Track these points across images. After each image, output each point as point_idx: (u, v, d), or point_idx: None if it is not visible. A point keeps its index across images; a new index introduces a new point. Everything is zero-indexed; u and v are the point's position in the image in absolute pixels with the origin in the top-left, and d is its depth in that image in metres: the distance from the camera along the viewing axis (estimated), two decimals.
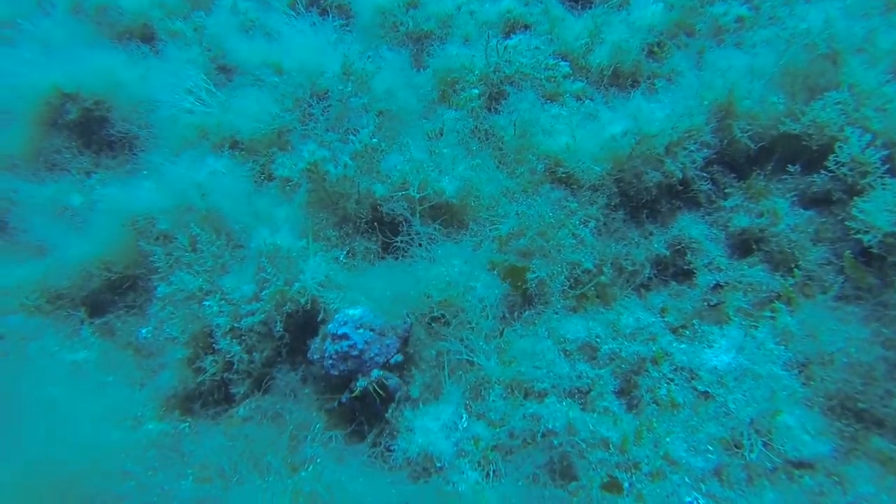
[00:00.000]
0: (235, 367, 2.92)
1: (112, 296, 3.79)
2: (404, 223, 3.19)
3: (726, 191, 3.11)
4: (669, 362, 2.66)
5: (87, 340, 3.31)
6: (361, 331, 2.70)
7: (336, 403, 2.74)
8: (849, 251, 2.65)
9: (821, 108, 2.84)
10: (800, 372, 2.48)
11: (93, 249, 3.79)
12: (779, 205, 2.91)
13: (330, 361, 2.69)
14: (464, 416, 2.60)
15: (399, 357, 2.74)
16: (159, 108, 4.25)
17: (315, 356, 2.81)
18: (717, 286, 2.89)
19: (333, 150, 3.16)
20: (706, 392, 2.51)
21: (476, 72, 4.02)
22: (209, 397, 3.03)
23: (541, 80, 3.83)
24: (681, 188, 3.13)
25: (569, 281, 2.98)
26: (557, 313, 2.92)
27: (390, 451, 2.52)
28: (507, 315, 2.95)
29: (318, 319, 2.87)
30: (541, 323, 2.84)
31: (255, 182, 3.73)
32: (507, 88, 3.69)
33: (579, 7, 4.38)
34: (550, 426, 2.45)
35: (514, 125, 3.47)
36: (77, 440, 2.61)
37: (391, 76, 3.91)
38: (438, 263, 3.01)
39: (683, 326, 2.81)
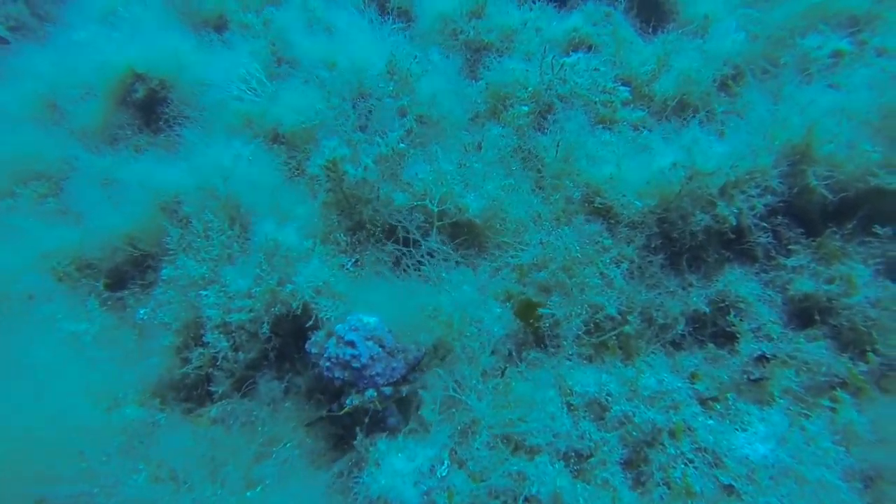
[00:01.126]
0: (219, 363, 2.77)
1: (133, 272, 3.78)
2: (420, 238, 2.96)
3: (790, 247, 2.65)
4: (691, 439, 2.24)
5: (91, 313, 3.27)
6: (371, 343, 2.47)
7: (322, 415, 2.53)
8: None
9: None
10: (864, 487, 1.99)
11: (122, 223, 3.81)
12: (857, 272, 2.43)
13: (328, 363, 2.47)
14: (446, 461, 2.30)
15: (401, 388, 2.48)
16: (211, 92, 4.29)
17: (313, 349, 2.59)
18: (763, 357, 2.43)
19: (356, 150, 2.98)
20: (731, 486, 2.07)
21: (529, 88, 3.76)
22: (192, 391, 2.91)
23: (595, 103, 3.52)
24: (733, 237, 2.70)
25: (588, 325, 2.63)
26: (570, 359, 2.57)
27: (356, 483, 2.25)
28: (513, 353, 2.64)
29: (307, 325, 2.67)
30: (548, 368, 2.50)
31: (289, 177, 3.64)
32: (557, 107, 3.40)
33: (651, 31, 4.03)
34: (535, 491, 2.11)
35: (557, 146, 3.17)
36: (47, 411, 2.54)
37: (439, 82, 3.72)
38: (447, 288, 2.75)
39: (715, 399, 2.38)
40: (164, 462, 2.39)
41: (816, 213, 2.68)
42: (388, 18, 4.41)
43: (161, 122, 4.80)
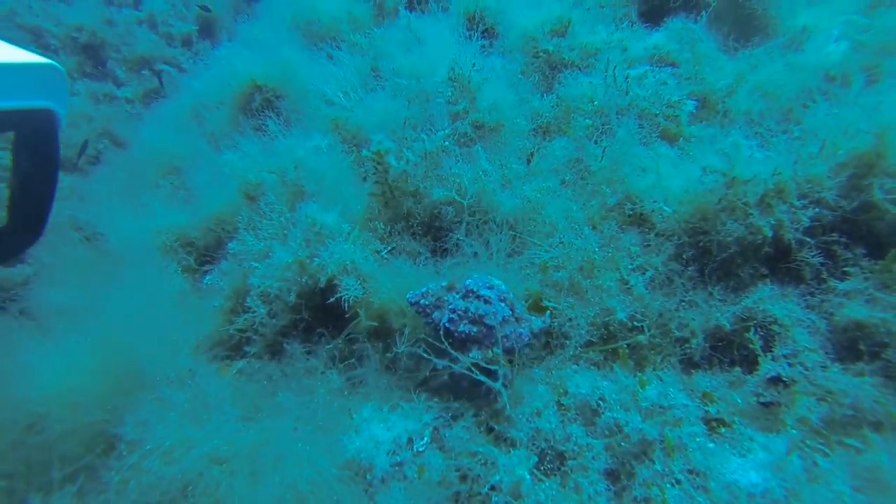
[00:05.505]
0: (256, 327, 3.05)
1: (217, 248, 4.28)
2: (452, 232, 3.04)
3: (846, 269, 2.32)
4: (684, 459, 2.03)
5: (173, 277, 3.76)
6: (503, 305, 2.40)
7: (446, 375, 2.39)
8: None
9: None
10: None
11: (216, 207, 4.35)
12: None
13: (453, 315, 2.38)
14: (427, 437, 2.32)
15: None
16: (310, 98, 4.79)
17: (425, 301, 2.52)
18: (778, 380, 2.14)
19: (401, 144, 3.16)
20: None
21: (595, 102, 3.72)
22: (236, 350, 3.21)
23: (657, 115, 3.38)
24: (770, 251, 2.43)
25: (601, 331, 2.51)
26: (576, 363, 2.47)
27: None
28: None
29: (327, 301, 2.84)
30: (543, 366, 2.43)
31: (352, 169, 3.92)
32: (612, 118, 3.32)
33: (736, 48, 3.79)
34: (497, 479, 2.05)
35: (603, 153, 3.10)
36: (120, 352, 2.96)
37: (503, 91, 3.82)
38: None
39: (723, 423, 2.14)
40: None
41: (889, 233, 2.33)
42: (474, 35, 4.62)
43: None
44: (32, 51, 1.72)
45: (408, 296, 2.59)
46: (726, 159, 2.46)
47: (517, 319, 2.40)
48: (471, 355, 2.30)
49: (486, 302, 2.36)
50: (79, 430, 2.47)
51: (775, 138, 2.51)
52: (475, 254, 2.95)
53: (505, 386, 2.26)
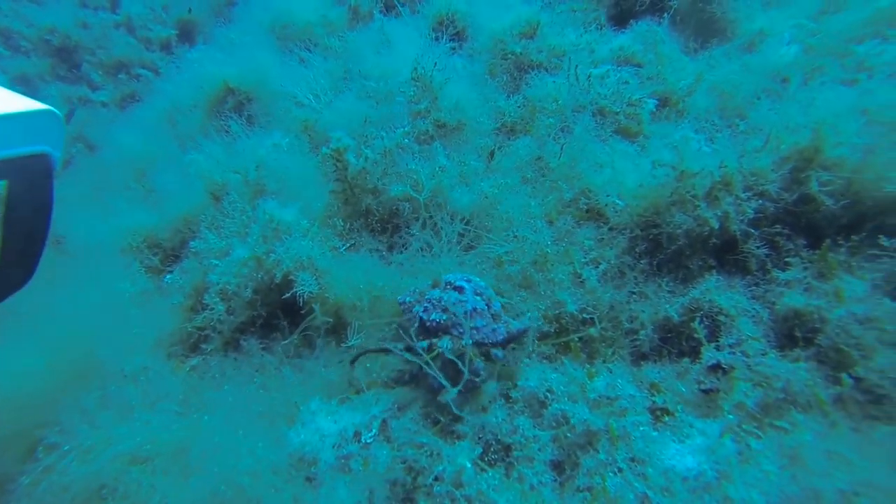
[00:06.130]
0: (214, 324, 3.03)
1: (183, 248, 4.25)
2: (410, 227, 3.05)
3: (787, 259, 2.36)
4: (627, 447, 2.04)
5: (135, 276, 3.72)
6: (479, 298, 2.37)
7: (400, 349, 2.34)
8: None
9: None
10: None
11: (184, 208, 4.32)
12: (848, 284, 2.10)
13: (426, 304, 2.37)
14: (375, 429, 2.30)
15: (498, 351, 2.29)
16: (280, 101, 4.79)
17: (408, 298, 2.52)
18: (718, 367, 2.16)
19: (359, 142, 3.17)
20: (645, 495, 1.85)
21: (559, 101, 3.75)
22: (195, 347, 3.18)
23: (618, 114, 3.41)
24: (717, 243, 2.46)
25: (553, 324, 2.52)
26: (528, 356, 2.47)
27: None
28: None
29: (283, 297, 2.83)
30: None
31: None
32: (569, 116, 3.36)
33: (697, 49, 3.86)
34: (440, 469, 2.04)
35: (561, 150, 3.12)
36: (75, 350, 2.91)
37: (466, 91, 3.85)
38: (425, 277, 2.79)
39: (667, 412, 2.14)
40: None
41: (826, 224, 2.37)
42: (443, 37, 4.66)
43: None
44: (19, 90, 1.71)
45: (398, 299, 2.58)
46: (676, 153, 2.49)
47: (494, 317, 2.36)
48: (440, 343, 2.26)
49: (459, 291, 2.35)
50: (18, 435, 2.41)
51: (720, 133, 2.54)
52: (425, 246, 2.94)
53: (480, 378, 2.22)
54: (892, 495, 1.54)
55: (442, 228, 2.88)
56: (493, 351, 2.28)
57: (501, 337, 2.31)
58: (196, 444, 2.06)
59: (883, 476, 1.57)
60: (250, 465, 1.96)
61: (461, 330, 2.27)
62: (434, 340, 2.28)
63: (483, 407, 2.25)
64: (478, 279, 2.51)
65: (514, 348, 2.40)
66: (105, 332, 3.19)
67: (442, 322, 2.31)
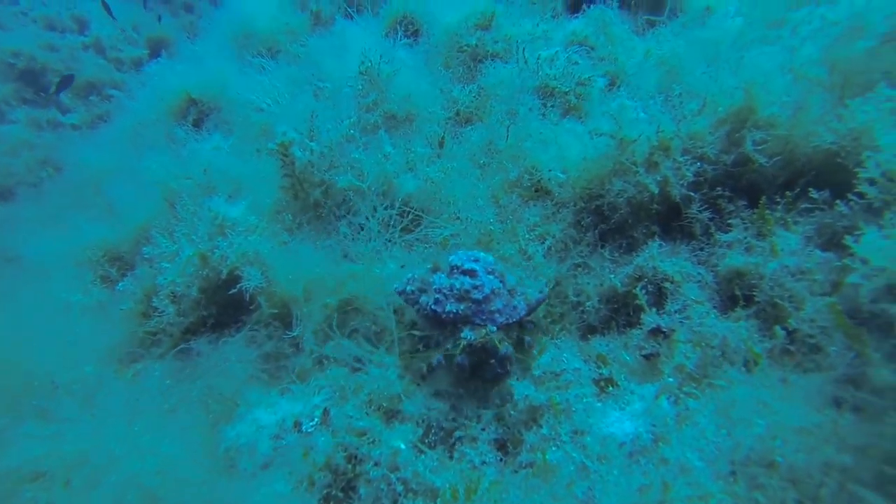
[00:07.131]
0: (164, 327, 2.95)
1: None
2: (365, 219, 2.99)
3: (729, 221, 2.31)
4: (569, 420, 1.97)
5: (88, 287, 3.64)
6: (492, 277, 2.19)
7: (434, 361, 2.16)
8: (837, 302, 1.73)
9: (860, 109, 1.97)
10: (732, 472, 1.61)
11: (142, 217, 4.26)
12: (781, 239, 2.05)
13: (438, 296, 2.17)
14: (317, 418, 2.22)
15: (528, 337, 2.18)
16: (239, 108, 4.74)
17: (409, 287, 2.29)
18: (658, 331, 2.11)
19: (304, 135, 3.12)
20: (583, 465, 1.78)
21: (509, 85, 3.73)
22: (147, 351, 3.10)
23: (567, 93, 3.39)
24: (667, 212, 2.41)
25: None
26: None
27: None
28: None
29: (230, 293, 2.77)
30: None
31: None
32: (515, 98, 3.33)
33: (647, 30, 3.85)
34: (378, 454, 1.97)
35: (507, 132, 3.09)
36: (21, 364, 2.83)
37: (417, 81, 3.82)
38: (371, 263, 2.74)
39: (612, 382, 2.08)
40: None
41: (766, 185, 2.33)
42: (397, 33, 4.64)
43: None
44: None
45: (394, 287, 2.37)
46: (614, 121, 2.45)
47: (510, 292, 2.20)
48: (462, 336, 2.12)
49: (471, 276, 2.17)
50: None
51: (653, 100, 2.51)
52: (356, 230, 2.89)
53: (512, 362, 2.12)
54: (800, 432, 1.49)
55: (377, 212, 2.83)
56: (527, 338, 2.18)
57: (523, 312, 2.19)
58: (94, 455, 1.94)
59: (795, 416, 1.52)
60: (154, 467, 1.85)
61: (484, 317, 2.12)
62: (459, 336, 2.13)
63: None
64: (484, 254, 2.30)
65: None
66: (45, 344, 3.12)
67: (460, 313, 2.14)
